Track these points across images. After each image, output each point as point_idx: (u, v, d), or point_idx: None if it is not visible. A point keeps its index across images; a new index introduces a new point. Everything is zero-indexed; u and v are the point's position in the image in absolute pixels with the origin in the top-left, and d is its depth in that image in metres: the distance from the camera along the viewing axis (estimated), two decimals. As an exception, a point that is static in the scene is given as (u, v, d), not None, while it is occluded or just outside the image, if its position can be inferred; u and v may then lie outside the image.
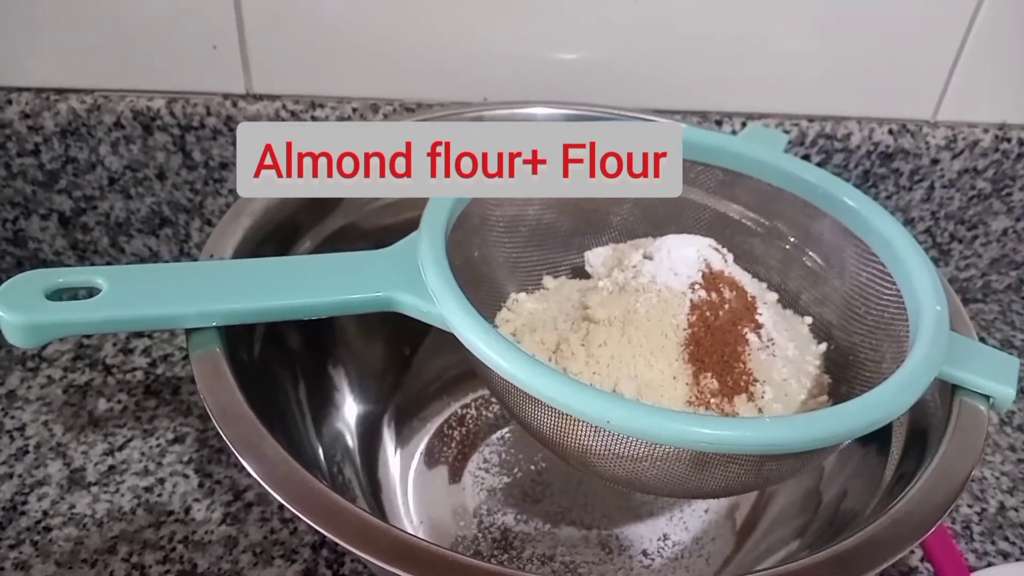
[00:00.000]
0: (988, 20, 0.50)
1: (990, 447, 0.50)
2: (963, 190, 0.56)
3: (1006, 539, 0.45)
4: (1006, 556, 0.44)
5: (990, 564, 0.43)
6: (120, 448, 0.45)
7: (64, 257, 0.56)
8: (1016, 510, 0.46)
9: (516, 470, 0.46)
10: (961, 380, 0.34)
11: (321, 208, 0.43)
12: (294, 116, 0.51)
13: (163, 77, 0.51)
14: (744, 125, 0.53)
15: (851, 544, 0.29)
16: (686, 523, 0.44)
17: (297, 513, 0.28)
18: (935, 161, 0.55)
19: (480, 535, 0.43)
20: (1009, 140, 0.54)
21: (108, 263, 0.56)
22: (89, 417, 0.47)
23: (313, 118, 0.51)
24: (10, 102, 0.50)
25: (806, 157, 0.54)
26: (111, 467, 0.44)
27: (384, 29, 0.50)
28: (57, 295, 0.32)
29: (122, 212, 0.54)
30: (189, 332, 0.34)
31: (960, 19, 0.51)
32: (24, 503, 0.42)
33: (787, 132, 0.53)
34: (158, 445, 0.46)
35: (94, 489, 0.43)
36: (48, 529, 0.41)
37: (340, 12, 0.49)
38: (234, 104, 0.51)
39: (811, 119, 0.54)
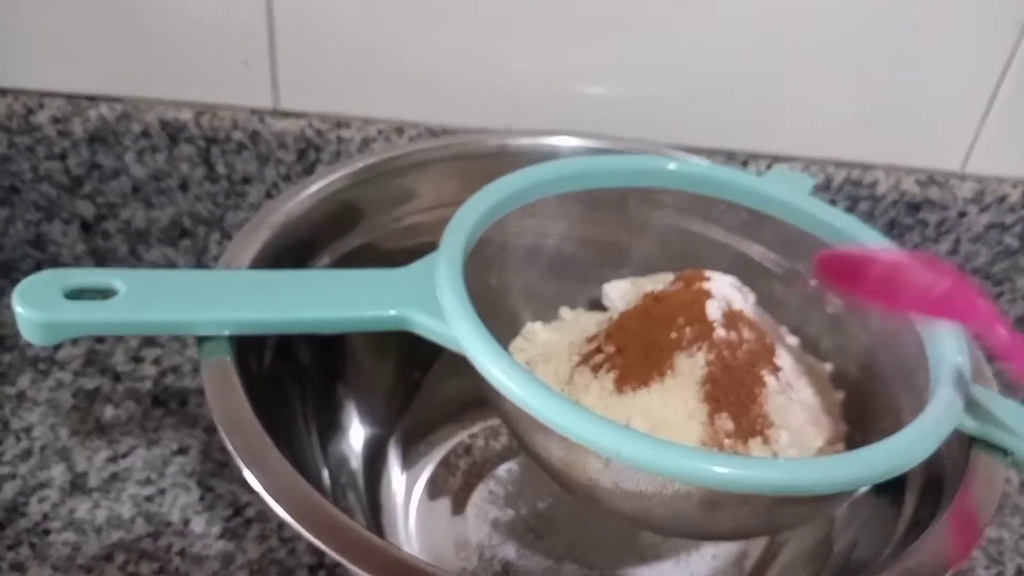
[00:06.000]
0: (1020, 74, 0.50)
1: (1009, 509, 0.49)
2: (990, 245, 0.56)
3: (1023, 604, 0.44)
4: (1022, 622, 0.43)
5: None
6: (124, 456, 0.45)
7: (83, 262, 0.56)
8: (1034, 575, 0.45)
9: (521, 504, 0.45)
10: (980, 432, 0.33)
11: (340, 226, 0.43)
12: (320, 134, 0.51)
13: (193, 89, 0.51)
14: (770, 167, 0.52)
15: (863, 596, 0.28)
16: (692, 569, 0.42)
17: (296, 526, 0.27)
18: (962, 214, 0.54)
19: (481, 568, 0.42)
20: (1038, 197, 0.54)
21: (126, 271, 0.56)
22: (96, 423, 0.47)
23: (339, 137, 0.51)
24: (42, 106, 0.50)
25: (832, 203, 0.53)
26: (113, 474, 0.44)
27: (412, 54, 0.50)
28: (75, 295, 0.32)
29: (143, 221, 0.54)
30: (201, 340, 0.33)
31: (992, 71, 0.50)
32: (25, 504, 0.42)
33: (813, 176, 0.53)
34: (162, 455, 0.45)
35: (95, 495, 0.43)
36: (47, 532, 0.41)
37: (370, 35, 0.50)
38: (261, 120, 0.51)
39: (838, 164, 0.53)
